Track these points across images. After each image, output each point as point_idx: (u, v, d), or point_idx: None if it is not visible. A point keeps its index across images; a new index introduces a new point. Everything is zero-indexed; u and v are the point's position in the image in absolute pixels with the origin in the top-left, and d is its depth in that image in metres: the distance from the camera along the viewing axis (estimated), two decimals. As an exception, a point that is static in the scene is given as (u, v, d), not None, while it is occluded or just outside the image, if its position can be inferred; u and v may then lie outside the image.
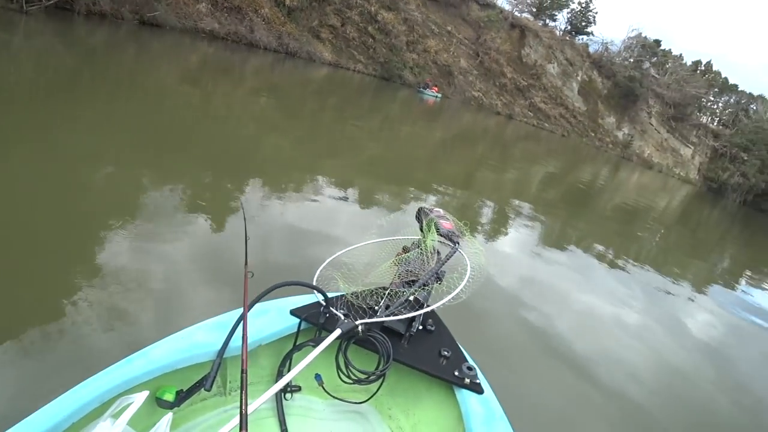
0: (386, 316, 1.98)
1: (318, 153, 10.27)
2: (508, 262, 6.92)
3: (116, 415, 1.42)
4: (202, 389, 1.74)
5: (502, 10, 37.85)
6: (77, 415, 1.48)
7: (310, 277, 2.19)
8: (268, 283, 1.89)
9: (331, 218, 6.50)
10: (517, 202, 10.67)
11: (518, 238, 8.13)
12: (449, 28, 35.13)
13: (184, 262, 4.41)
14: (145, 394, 1.50)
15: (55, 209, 5.16)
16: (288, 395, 2.11)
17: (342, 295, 2.11)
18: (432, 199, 8.84)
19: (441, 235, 2.34)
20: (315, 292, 2.04)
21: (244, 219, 2.38)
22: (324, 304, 2.04)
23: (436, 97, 31.20)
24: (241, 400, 1.37)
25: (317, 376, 2.06)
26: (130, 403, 1.44)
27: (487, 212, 9.30)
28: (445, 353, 2.01)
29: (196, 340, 1.84)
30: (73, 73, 11.99)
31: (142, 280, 3.94)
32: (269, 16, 26.22)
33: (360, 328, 1.81)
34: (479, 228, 8.01)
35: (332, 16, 29.95)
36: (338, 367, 1.89)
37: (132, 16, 18.84)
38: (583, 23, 46.75)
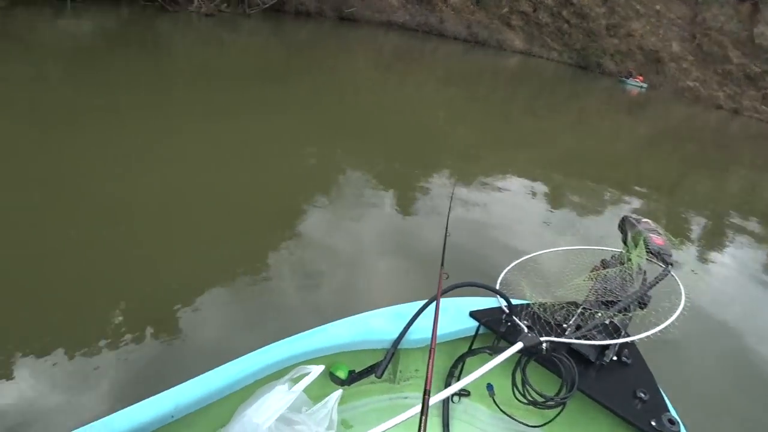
0: (576, 338, 1.78)
1: (507, 145, 9.59)
2: (729, 292, 5.41)
3: (294, 381, 1.58)
4: (373, 374, 1.78)
5: (727, -19, 31.78)
6: (260, 374, 1.64)
7: (492, 279, 2.06)
8: (450, 274, 1.85)
9: (519, 216, 5.83)
10: (741, 217, 8.56)
11: (742, 262, 6.37)
12: (657, 7, 30.64)
13: (372, 245, 4.41)
14: (321, 368, 1.62)
15: (256, 174, 5.62)
16: (456, 398, 2.07)
17: (527, 305, 1.96)
18: (633, 204, 7.51)
19: (650, 253, 1.99)
20: (498, 296, 1.95)
21: (448, 216, 2.31)
22: (507, 311, 1.93)
23: (641, 87, 27.63)
24: (425, 393, 1.32)
25: (489, 386, 1.99)
26: (307, 373, 1.58)
27: (699, 226, 7.55)
28: (642, 395, 1.73)
29: (374, 326, 1.89)
30: (284, 62, 13.15)
31: (334, 256, 4.08)
32: (459, 6, 25.86)
33: (544, 345, 1.68)
34: (690, 246, 6.48)
35: (523, 1, 28.39)
36: (514, 383, 1.76)
37: (332, 13, 20.12)
38: None
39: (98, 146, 5.72)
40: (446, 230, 2.25)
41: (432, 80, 15.17)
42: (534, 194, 6.81)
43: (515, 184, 6.96)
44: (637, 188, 8.46)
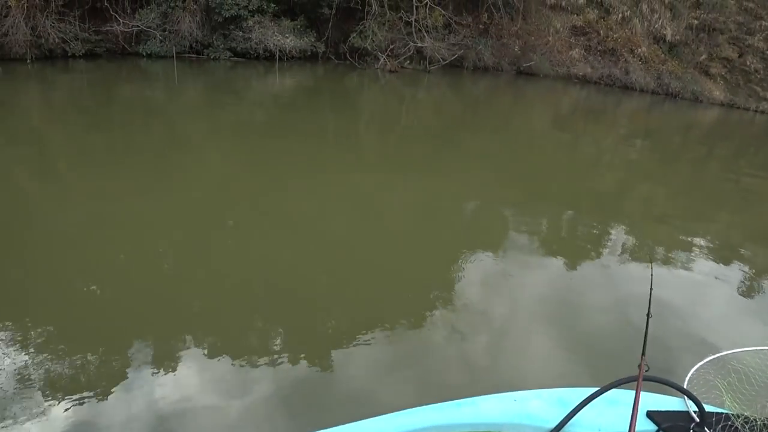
0: None
1: (699, 209, 8.27)
2: None
3: None
4: None
5: None
6: None
7: (677, 375, 1.79)
8: (626, 361, 1.85)
9: (717, 300, 4.82)
10: None
11: None
12: None
13: (537, 314, 4.05)
14: None
15: (426, 225, 5.72)
16: None
17: (725, 415, 1.62)
18: None
19: None
20: (686, 398, 1.69)
21: (650, 295, 2.04)
22: (696, 419, 1.62)
23: None
24: None
25: None
26: None
27: None
28: None
29: (531, 408, 1.71)
30: (459, 115, 13.25)
31: (498, 321, 3.84)
32: (647, 55, 24.03)
33: None
34: None
35: (726, 46, 25.34)
36: None
37: (510, 67, 20.14)
38: None
39: (278, 178, 6.37)
40: (648, 311, 1.97)
41: (613, 137, 13.95)
42: (737, 273, 5.61)
43: (712, 258, 5.85)
44: None
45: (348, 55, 17.66)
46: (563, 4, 23.46)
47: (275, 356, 3.10)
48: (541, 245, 5.46)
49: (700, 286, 5.07)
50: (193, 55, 15.69)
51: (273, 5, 16.41)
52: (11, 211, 5.00)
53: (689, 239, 6.38)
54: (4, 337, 3.10)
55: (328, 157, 8.09)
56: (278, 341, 3.31)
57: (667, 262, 5.50)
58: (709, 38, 25.58)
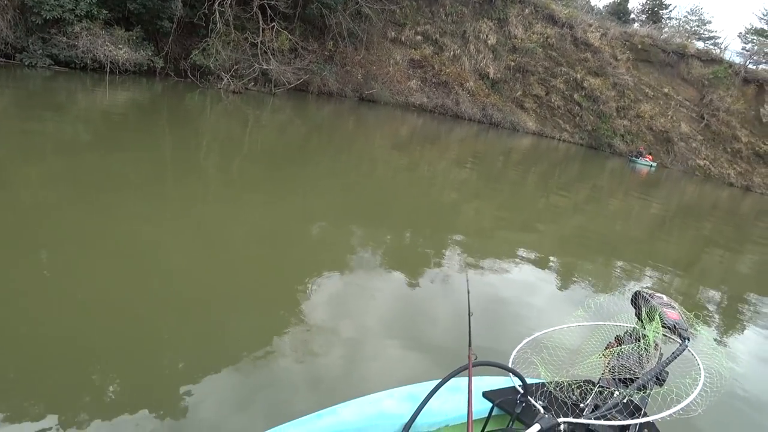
0: (595, 418, 1.73)
1: (520, 223, 9.69)
2: (755, 369, 5.14)
3: None
4: None
5: (731, 65, 32.63)
6: None
7: (504, 357, 2.05)
8: (460, 353, 1.87)
9: (530, 293, 5.87)
10: (757, 296, 8.25)
11: (759, 343, 6.07)
12: (666, 90, 31.67)
13: (384, 323, 4.41)
14: None
15: (273, 250, 5.76)
16: None
17: (542, 384, 1.93)
18: (647, 282, 7.39)
19: (665, 327, 1.97)
20: (511, 375, 1.90)
21: (468, 295, 2.30)
22: (521, 391, 1.88)
23: (651, 166, 27.94)
24: None
25: None
26: None
27: (716, 305, 7.32)
28: None
29: (385, 408, 1.84)
30: (304, 138, 13.67)
31: (345, 336, 4.06)
32: (474, 89, 27.06)
33: (563, 427, 1.65)
34: (710, 323, 6.26)
35: (536, 85, 29.64)
36: None
37: (353, 93, 21.19)
38: None
39: (109, 207, 5.93)
40: (469, 309, 2.23)
41: (447, 160, 15.56)
42: (546, 272, 6.84)
43: (528, 262, 7.00)
44: (651, 266, 8.40)
45: (189, 73, 17.05)
46: (402, 38, 25.44)
47: (111, 408, 2.90)
48: (384, 261, 5.90)
49: (521, 285, 6.02)
50: (2, 60, 13.79)
51: (105, 12, 15.21)
52: None
53: (511, 247, 7.48)
54: None
55: (167, 182, 7.63)
56: (114, 389, 3.08)
57: (493, 267, 6.44)
58: (523, 78, 29.67)
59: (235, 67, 17.65)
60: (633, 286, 6.66)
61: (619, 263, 8.10)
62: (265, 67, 18.20)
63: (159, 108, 13.83)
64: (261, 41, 18.36)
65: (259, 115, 15.84)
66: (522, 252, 7.35)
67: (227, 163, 9.54)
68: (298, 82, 19.09)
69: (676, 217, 15.35)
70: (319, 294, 4.72)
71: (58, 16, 14.21)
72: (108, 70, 14.83)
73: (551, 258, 7.42)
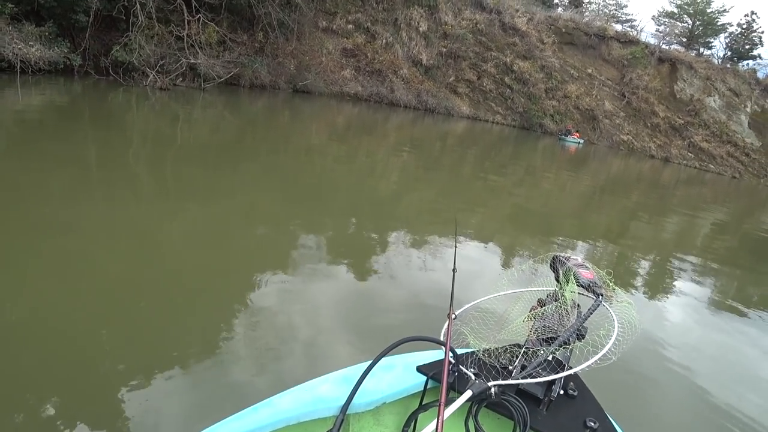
0: (522, 378, 1.83)
1: (459, 204, 9.95)
2: (664, 321, 5.73)
3: None
4: None
5: (647, 45, 34.76)
6: None
7: (436, 332, 2.10)
8: (397, 333, 1.89)
9: (465, 270, 6.12)
10: (678, 255, 9.08)
11: (679, 297, 6.75)
12: (590, 71, 33.38)
13: (331, 315, 4.45)
14: None
15: (215, 252, 5.65)
16: None
17: (472, 353, 1.99)
18: (581, 251, 7.92)
19: (581, 287, 2.10)
20: (442, 348, 1.91)
21: (455, 255, 2.45)
22: (453, 361, 1.91)
23: (578, 143, 29.43)
24: None
25: None
26: None
27: (642, 266, 8.02)
28: (591, 424, 1.78)
29: (321, 393, 1.86)
30: (238, 134, 13.42)
31: (288, 327, 4.07)
32: (408, 76, 27.36)
33: (493, 390, 1.71)
34: (633, 284, 6.89)
35: (468, 70, 30.35)
36: None
37: (287, 85, 20.92)
38: (747, 46, 41.37)
39: (27, 220, 5.67)
40: (454, 265, 2.32)
41: (384, 147, 15.72)
42: (482, 249, 7.16)
43: (465, 240, 7.28)
44: (582, 237, 8.92)
45: (111, 70, 16.22)
46: (334, 27, 25.31)
47: (46, 421, 2.88)
48: (330, 253, 5.91)
49: (459, 264, 6.29)
50: None
51: (10, 5, 14.18)
52: None
53: (451, 229, 7.59)
54: None
55: (93, 188, 7.26)
56: (50, 404, 3.05)
57: (435, 249, 6.61)
58: (455, 63, 30.28)
59: (161, 62, 16.98)
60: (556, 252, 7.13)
61: (555, 236, 8.56)
62: (192, 61, 17.63)
63: (80, 109, 13.15)
64: (187, 34, 17.75)
65: (189, 111, 15.37)
66: (462, 232, 7.60)
67: (158, 165, 9.23)
68: (229, 76, 18.63)
69: (605, 190, 16.34)
70: (265, 291, 4.70)
71: (-42, 13, 13.17)
72: (18, 70, 13.90)
73: (489, 235, 7.75)
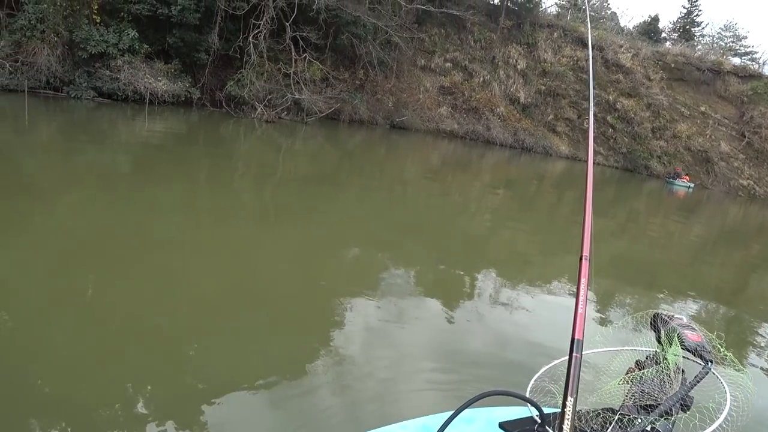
0: None
1: (554, 247, 9.36)
2: None
3: None
4: None
5: (771, 78, 31.74)
6: None
7: (522, 387, 2.01)
8: (475, 386, 1.89)
9: (554, 320, 5.54)
10: None
11: None
12: (703, 109, 30.90)
13: (416, 352, 4.26)
14: None
15: (306, 277, 5.66)
16: None
17: (560, 412, 1.79)
18: (687, 309, 6.95)
19: (686, 350, 1.88)
20: (529, 405, 1.83)
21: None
22: (539, 420, 1.81)
23: (688, 187, 27.05)
24: None
25: None
26: None
27: (761, 332, 6.78)
28: None
29: None
30: (335, 165, 13.74)
31: (369, 361, 3.97)
32: (505, 114, 26.95)
33: None
34: (748, 352, 5.82)
35: (568, 109, 29.35)
36: None
37: (384, 121, 21.33)
38: None
39: (142, 231, 6.00)
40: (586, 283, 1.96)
41: (478, 184, 15.37)
42: (573, 298, 6.49)
43: (555, 286, 6.69)
44: (690, 292, 7.89)
45: (224, 103, 17.51)
46: (432, 65, 25.68)
47: (146, 425, 2.95)
48: (417, 288, 5.74)
49: (553, 309, 5.75)
50: (50, 92, 14.44)
51: (146, 46, 15.83)
52: None
53: (545, 272, 7.19)
54: None
55: (201, 208, 7.78)
56: (148, 408, 3.16)
57: (526, 291, 6.19)
58: (554, 101, 29.44)
59: (269, 96, 18.04)
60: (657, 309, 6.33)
61: (657, 290, 7.66)
62: (297, 96, 18.55)
63: (195, 137, 14.15)
64: (293, 72, 18.76)
65: (292, 142, 16.04)
66: (556, 277, 7.03)
67: (260, 189, 9.62)
68: (330, 111, 19.37)
69: (720, 241, 14.67)
70: (350, 319, 4.62)
71: (103, 51, 14.86)
72: (148, 102, 15.37)
73: (596, 283, 7.09)
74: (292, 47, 18.92)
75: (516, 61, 27.71)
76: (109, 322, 3.98)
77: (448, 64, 26.28)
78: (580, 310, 1.64)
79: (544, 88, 28.75)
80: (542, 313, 5.63)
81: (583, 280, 1.72)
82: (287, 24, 18.49)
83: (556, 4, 38.02)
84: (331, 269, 6.00)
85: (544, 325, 5.32)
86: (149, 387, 3.26)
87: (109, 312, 4.14)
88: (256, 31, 17.86)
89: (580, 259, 1.77)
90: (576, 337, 1.59)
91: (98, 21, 15.00)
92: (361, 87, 21.78)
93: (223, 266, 5.55)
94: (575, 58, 29.30)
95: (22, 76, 13.83)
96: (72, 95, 14.60)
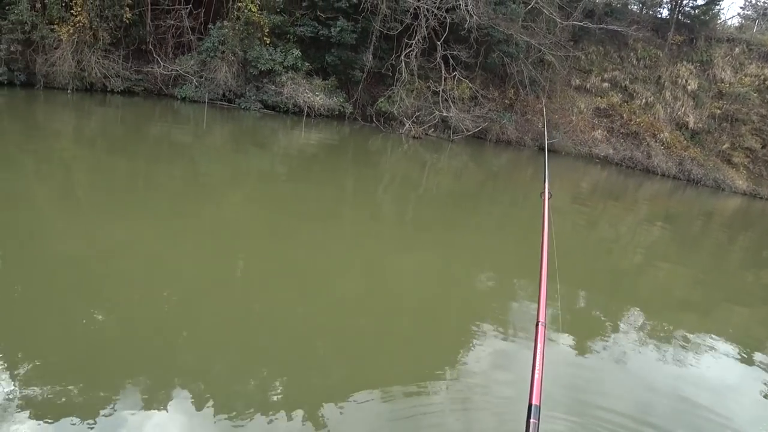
0: None
1: (719, 298, 7.97)
2: None
3: None
4: None
5: None
6: None
7: None
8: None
9: (725, 392, 4.68)
10: None
11: None
12: None
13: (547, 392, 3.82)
14: None
15: (438, 293, 5.55)
16: None
17: None
18: None
19: None
20: None
21: None
22: None
23: None
24: None
25: None
26: None
27: None
28: None
29: None
30: (479, 184, 13.29)
31: (502, 389, 3.81)
32: (669, 141, 24.19)
33: None
34: None
35: (749, 137, 25.45)
36: None
37: (533, 142, 20.36)
38: None
39: (291, 232, 6.21)
40: None
41: (631, 217, 13.80)
42: (751, 368, 5.39)
43: (726, 349, 5.64)
44: None
45: (374, 118, 18.00)
46: (588, 86, 24.00)
47: (272, 411, 3.11)
48: (553, 324, 5.22)
49: (712, 380, 4.83)
50: (225, 103, 16.12)
51: (307, 64, 16.97)
52: (18, 227, 5.08)
53: (707, 326, 6.14)
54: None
55: (345, 214, 8.12)
56: (277, 396, 3.31)
57: (683, 348, 5.31)
58: (731, 128, 25.77)
59: (417, 113, 18.18)
60: None
61: None
62: (445, 114, 18.45)
63: (345, 148, 14.68)
64: (442, 89, 18.73)
65: (437, 159, 15.91)
66: (718, 335, 5.86)
67: (402, 203, 9.62)
68: (477, 130, 18.96)
69: None
70: (478, 346, 4.46)
71: (270, 68, 16.21)
72: (305, 114, 16.34)
73: (756, 346, 5.75)
74: (442, 65, 18.92)
75: (686, 81, 24.84)
76: (251, 312, 4.23)
77: (606, 84, 24.37)
78: (536, 375, 1.54)
79: (719, 112, 25.32)
80: (698, 383, 4.69)
81: (539, 346, 1.65)
82: (438, 43, 18.55)
83: (738, 14, 33.57)
84: (464, 291, 5.78)
85: (709, 400, 4.29)
86: (274, 373, 3.43)
87: (253, 303, 4.40)
88: (408, 50, 18.16)
89: (537, 324, 1.69)
90: (533, 403, 1.48)
91: (268, 42, 16.38)
92: (510, 106, 21.06)
93: (362, 271, 5.69)
94: (762, 77, 25.44)
95: (204, 90, 15.65)
96: (242, 106, 16.17)
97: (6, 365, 3.16)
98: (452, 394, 3.55)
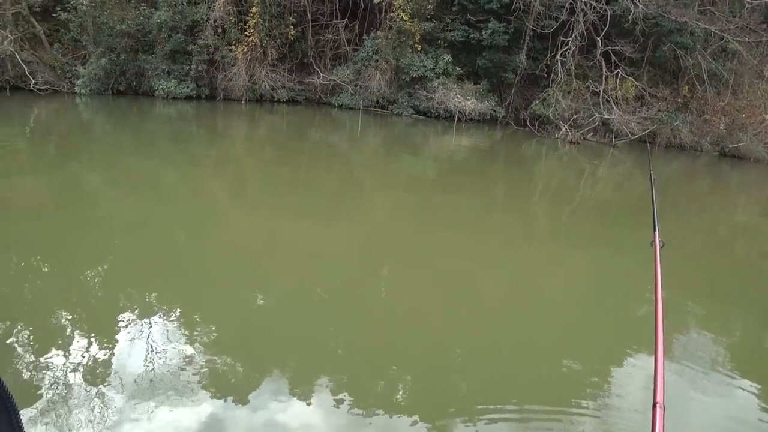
0: None
1: None
2: None
3: None
4: None
5: None
6: None
7: None
8: None
9: None
10: None
11: None
12: None
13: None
14: None
15: (582, 317, 5.10)
16: None
17: None
18: None
19: None
20: None
21: None
22: None
23: None
24: None
25: None
26: None
27: None
28: None
29: None
30: (641, 197, 11.81)
31: None
32: None
33: None
34: None
35: None
36: None
37: (712, 147, 17.82)
38: None
39: (437, 240, 6.45)
40: None
41: None
42: None
43: None
44: None
45: (528, 122, 17.16)
46: (786, 79, 20.35)
47: (399, 413, 3.20)
48: (731, 359, 4.70)
49: None
50: (378, 110, 16.73)
51: (458, 69, 16.81)
52: (194, 216, 6.04)
53: None
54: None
55: (493, 222, 7.95)
56: (405, 400, 3.36)
57: None
58: None
59: (575, 116, 16.96)
60: None
61: None
62: (606, 116, 16.92)
63: (497, 154, 14.24)
64: (603, 90, 17.22)
65: (596, 167, 14.66)
66: None
67: (555, 214, 8.99)
68: (643, 133, 17.05)
69: None
70: (635, 377, 4.02)
71: (422, 75, 16.38)
72: (456, 119, 16.20)
73: None
74: (603, 63, 17.40)
75: None
76: (393, 313, 4.36)
77: (812, 77, 20.45)
78: None
79: None
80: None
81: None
82: (598, 38, 17.09)
83: None
84: (623, 312, 5.31)
85: None
86: (410, 377, 3.51)
87: (396, 305, 4.55)
88: (564, 49, 17.03)
89: (654, 406, 1.29)
90: None
91: (419, 49, 16.55)
92: (684, 106, 18.60)
93: (508, 283, 5.53)
94: None
95: (359, 97, 16.47)
96: (395, 112, 16.65)
97: (186, 334, 3.77)
98: (591, 427, 3.25)
